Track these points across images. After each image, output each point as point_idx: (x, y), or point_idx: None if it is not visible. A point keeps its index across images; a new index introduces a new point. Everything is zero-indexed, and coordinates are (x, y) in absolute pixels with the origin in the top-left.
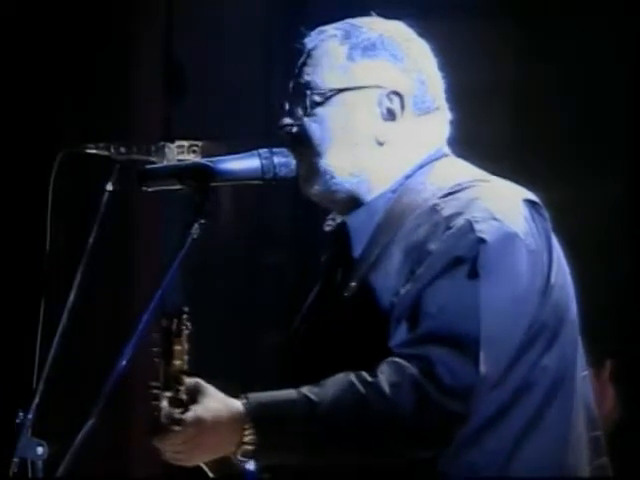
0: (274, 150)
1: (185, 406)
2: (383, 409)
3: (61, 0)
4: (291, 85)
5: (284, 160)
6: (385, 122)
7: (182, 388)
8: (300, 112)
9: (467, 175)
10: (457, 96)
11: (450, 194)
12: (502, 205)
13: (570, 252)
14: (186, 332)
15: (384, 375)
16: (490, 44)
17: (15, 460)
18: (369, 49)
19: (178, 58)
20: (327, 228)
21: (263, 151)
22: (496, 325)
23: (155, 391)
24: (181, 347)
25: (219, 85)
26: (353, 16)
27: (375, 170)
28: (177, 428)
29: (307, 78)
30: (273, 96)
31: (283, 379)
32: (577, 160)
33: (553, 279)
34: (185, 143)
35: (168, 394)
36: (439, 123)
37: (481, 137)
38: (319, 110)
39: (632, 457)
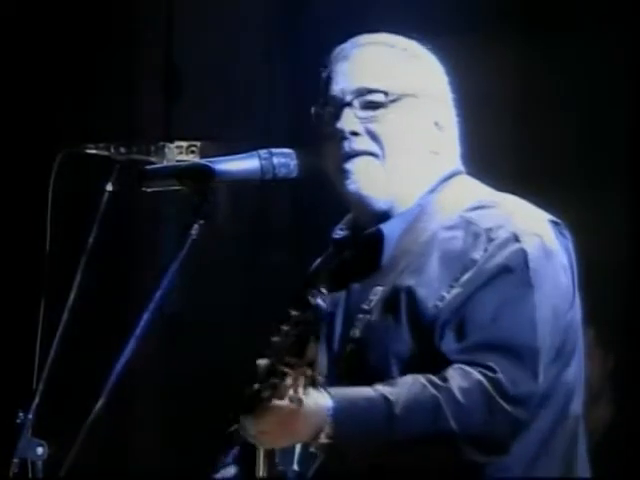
0: (273, 151)
1: (318, 386)
2: (456, 413)
3: (61, 0)
4: (343, 89)
5: (283, 161)
6: (437, 132)
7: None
8: (359, 115)
9: (484, 192)
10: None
11: (479, 208)
12: (537, 223)
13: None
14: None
15: (454, 380)
16: (491, 58)
17: (15, 460)
18: (421, 59)
19: (178, 58)
20: (336, 237)
21: (262, 152)
22: (545, 335)
23: (286, 369)
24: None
25: (219, 85)
26: (353, 18)
27: (421, 179)
28: (282, 403)
29: (364, 82)
30: (273, 96)
31: None
32: (579, 173)
33: (576, 297)
34: (184, 143)
35: (307, 372)
36: (456, 139)
37: (483, 151)
38: (381, 113)
39: (630, 457)
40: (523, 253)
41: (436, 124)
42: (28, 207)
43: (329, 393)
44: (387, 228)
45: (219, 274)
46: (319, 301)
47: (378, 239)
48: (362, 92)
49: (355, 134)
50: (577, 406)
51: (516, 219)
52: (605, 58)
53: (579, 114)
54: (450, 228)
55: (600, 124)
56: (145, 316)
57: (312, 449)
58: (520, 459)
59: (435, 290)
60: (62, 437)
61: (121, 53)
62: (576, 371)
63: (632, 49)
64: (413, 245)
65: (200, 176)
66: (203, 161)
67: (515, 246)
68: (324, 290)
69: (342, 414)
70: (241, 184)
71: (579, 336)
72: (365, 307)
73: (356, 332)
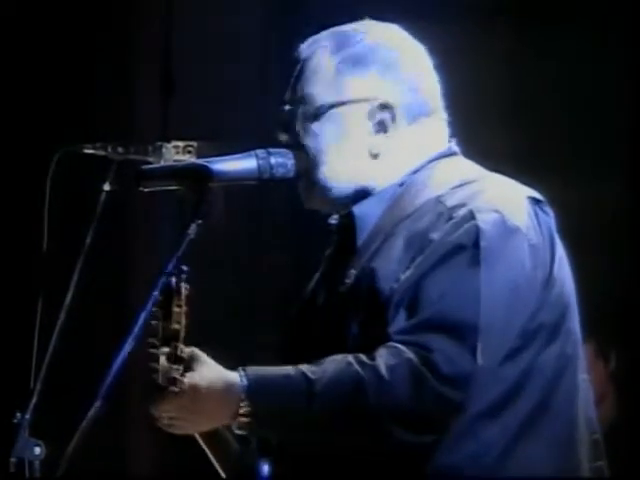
0: (271, 150)
1: (183, 363)
2: (379, 391)
3: (61, 0)
4: (287, 97)
5: (281, 160)
6: (377, 135)
7: (181, 345)
8: (296, 126)
9: (474, 172)
10: (454, 102)
11: (455, 188)
12: (505, 199)
13: (572, 253)
14: (185, 292)
15: (382, 358)
16: (484, 48)
17: (13, 460)
18: (359, 62)
19: (176, 58)
20: (332, 221)
21: (260, 151)
22: (495, 314)
23: (152, 350)
24: (180, 305)
25: (217, 85)
26: (351, 17)
27: (373, 178)
28: (174, 388)
29: (300, 92)
30: (271, 97)
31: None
32: (577, 161)
33: (555, 275)
34: (180, 143)
35: (166, 350)
36: (437, 124)
37: (479, 141)
38: (313, 125)
39: (630, 457)
40: (476, 230)
41: (379, 124)
42: (26, 207)
43: (244, 371)
44: (360, 209)
45: (217, 273)
46: (171, 280)
47: (350, 221)
48: (297, 103)
49: (289, 147)
50: (568, 390)
51: (483, 196)
52: (602, 52)
53: (577, 110)
54: (421, 208)
55: (598, 119)
56: (142, 315)
57: (234, 429)
58: (499, 439)
59: (394, 272)
60: (59, 437)
61: (119, 53)
62: (562, 353)
63: (629, 42)
64: (388, 226)
65: (197, 176)
66: (200, 161)
67: (470, 224)
68: (184, 268)
69: (257, 392)
70: (239, 184)
71: (567, 314)
72: (341, 291)
73: (328, 317)
